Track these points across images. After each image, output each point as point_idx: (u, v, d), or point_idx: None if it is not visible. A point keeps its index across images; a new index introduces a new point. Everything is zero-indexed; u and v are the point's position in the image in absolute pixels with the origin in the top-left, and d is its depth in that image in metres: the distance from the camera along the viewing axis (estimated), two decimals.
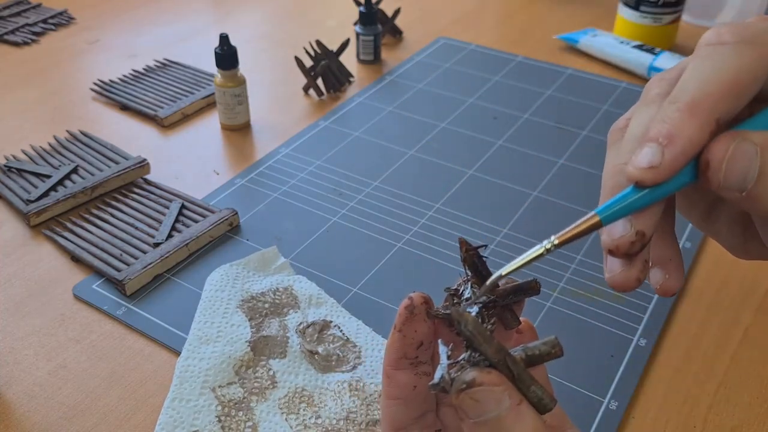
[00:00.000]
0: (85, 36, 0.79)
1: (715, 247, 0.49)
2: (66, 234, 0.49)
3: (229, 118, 0.62)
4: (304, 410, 0.37)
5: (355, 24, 0.72)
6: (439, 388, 0.20)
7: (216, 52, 0.59)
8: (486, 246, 0.24)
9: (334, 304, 0.43)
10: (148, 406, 0.38)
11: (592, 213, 0.21)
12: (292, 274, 0.45)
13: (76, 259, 0.48)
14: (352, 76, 0.69)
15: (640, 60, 0.68)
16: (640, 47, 0.70)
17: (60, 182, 0.53)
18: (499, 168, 0.57)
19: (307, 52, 0.68)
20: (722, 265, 0.47)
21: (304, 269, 0.47)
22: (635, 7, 0.72)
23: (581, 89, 0.67)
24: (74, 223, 0.51)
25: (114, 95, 0.66)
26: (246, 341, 0.40)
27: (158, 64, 0.72)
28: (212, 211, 0.51)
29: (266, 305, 0.42)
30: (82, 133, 0.60)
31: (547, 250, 0.22)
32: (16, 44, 0.77)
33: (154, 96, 0.66)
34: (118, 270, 0.45)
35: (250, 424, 0.36)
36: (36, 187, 0.53)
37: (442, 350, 0.22)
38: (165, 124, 0.63)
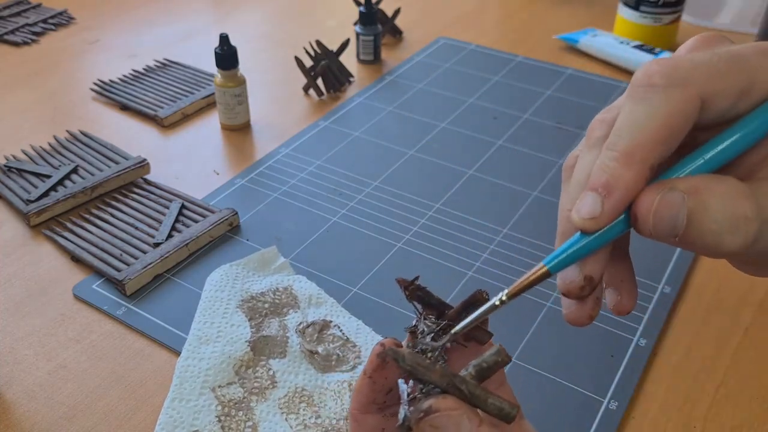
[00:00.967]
0: (85, 36, 0.79)
1: None
2: (66, 234, 0.49)
3: (229, 118, 0.62)
4: (304, 410, 0.37)
5: (355, 24, 0.72)
6: (405, 428, 0.20)
7: (216, 52, 0.59)
8: (418, 277, 0.24)
9: (333, 303, 0.43)
10: (148, 406, 0.38)
11: (541, 264, 0.22)
12: (292, 274, 0.45)
13: (76, 259, 0.48)
14: (352, 76, 0.69)
15: (640, 60, 0.68)
16: (640, 47, 0.70)
17: (60, 182, 0.53)
18: (499, 168, 0.57)
19: (307, 52, 0.68)
20: (722, 265, 0.47)
21: (304, 269, 0.47)
22: (635, 7, 0.72)
23: (581, 89, 0.67)
24: (74, 223, 0.51)
25: (114, 95, 0.66)
26: (246, 341, 0.40)
27: (158, 64, 0.72)
28: (212, 211, 0.51)
29: (266, 305, 0.42)
30: (82, 133, 0.60)
31: (500, 303, 0.22)
32: (16, 44, 0.77)
33: (154, 96, 0.66)
34: (118, 270, 0.45)
35: (250, 424, 0.36)
36: (36, 187, 0.53)
37: (402, 389, 0.22)
38: (165, 124, 0.63)
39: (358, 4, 0.73)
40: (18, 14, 0.83)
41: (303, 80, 0.69)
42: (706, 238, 0.19)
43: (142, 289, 0.45)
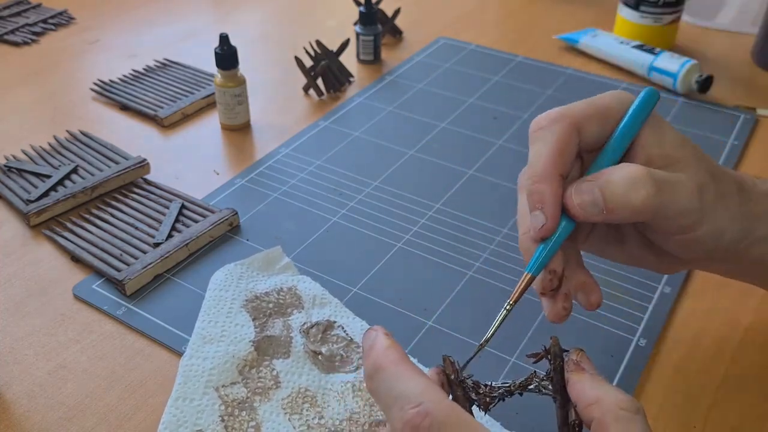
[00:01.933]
0: (85, 36, 0.79)
1: None
2: (66, 234, 0.49)
3: (229, 118, 0.62)
4: (307, 410, 0.37)
5: (355, 24, 0.72)
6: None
7: (216, 52, 0.59)
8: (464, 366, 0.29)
9: (338, 304, 0.43)
10: (149, 406, 0.38)
11: (525, 272, 0.30)
12: (296, 274, 0.45)
13: (76, 259, 0.48)
14: (352, 76, 0.69)
15: (640, 60, 0.68)
16: (640, 47, 0.70)
17: (60, 182, 0.53)
18: (499, 168, 0.57)
19: (307, 52, 0.68)
20: None
21: (304, 269, 0.47)
22: (635, 7, 0.72)
23: (581, 89, 0.67)
24: (74, 223, 0.51)
25: (114, 95, 0.66)
26: (250, 341, 0.40)
27: (158, 64, 0.72)
28: (212, 211, 0.51)
29: (270, 305, 0.42)
30: (82, 133, 0.60)
31: (508, 311, 0.29)
32: (16, 44, 0.77)
33: (154, 96, 0.66)
34: (118, 270, 0.45)
35: (253, 423, 0.36)
36: (36, 187, 0.53)
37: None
38: (165, 124, 0.63)
39: (358, 4, 0.73)
40: (18, 14, 0.83)
41: (303, 80, 0.69)
42: (619, 201, 0.28)
43: (142, 289, 0.45)
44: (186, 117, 0.64)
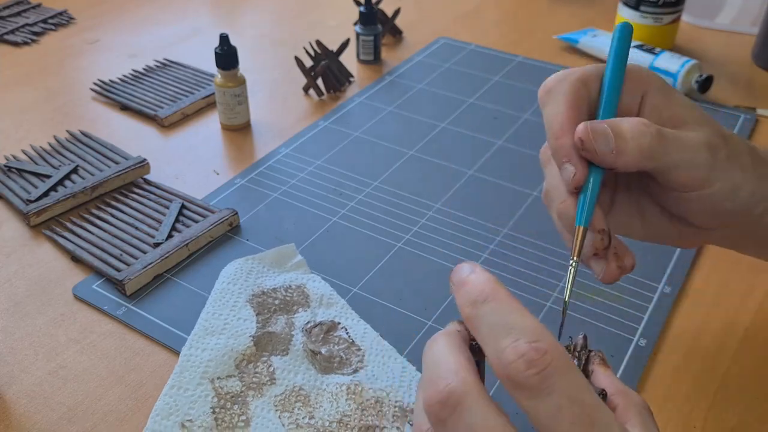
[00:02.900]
0: (85, 36, 0.79)
1: (715, 246, 0.49)
2: (66, 234, 0.49)
3: (229, 118, 0.62)
4: (298, 409, 0.37)
5: (355, 24, 0.72)
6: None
7: (216, 52, 0.59)
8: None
9: (344, 305, 0.43)
10: (148, 406, 0.38)
11: (577, 227, 0.30)
12: (308, 272, 0.45)
13: (76, 259, 0.48)
14: (352, 76, 0.69)
15: (640, 60, 0.68)
16: (640, 47, 0.70)
17: (60, 182, 0.53)
18: (499, 168, 0.57)
19: (307, 52, 0.68)
20: (722, 266, 0.47)
21: None
22: (635, 7, 0.72)
23: None
24: (74, 223, 0.51)
25: (114, 95, 0.66)
26: (250, 336, 0.40)
27: (158, 64, 0.72)
28: (212, 211, 0.51)
29: (276, 302, 0.42)
30: (82, 133, 0.60)
31: (575, 267, 0.30)
32: (16, 44, 0.77)
33: (154, 96, 0.66)
34: (118, 270, 0.45)
35: (243, 418, 0.36)
36: (36, 187, 0.53)
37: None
38: (165, 124, 0.63)
39: (358, 4, 0.73)
40: (18, 14, 0.83)
41: (303, 80, 0.69)
42: (628, 144, 0.29)
43: (142, 289, 0.45)
44: (186, 117, 0.64)
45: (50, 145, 0.59)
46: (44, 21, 0.81)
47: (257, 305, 0.42)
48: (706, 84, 0.66)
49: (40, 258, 0.48)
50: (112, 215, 0.51)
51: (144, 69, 0.70)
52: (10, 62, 0.74)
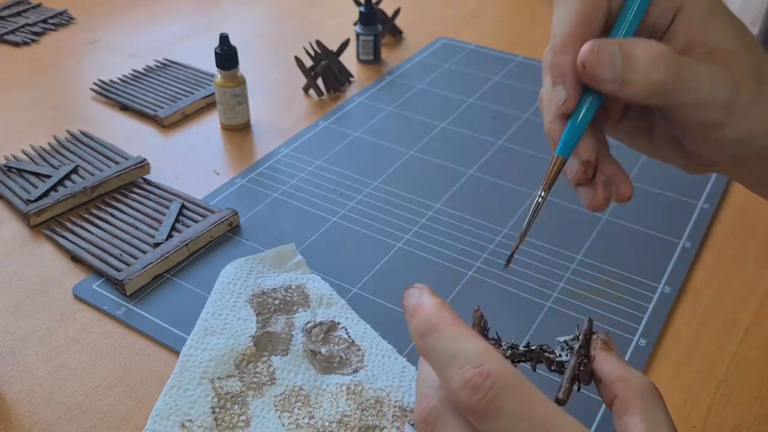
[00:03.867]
0: (85, 36, 0.79)
1: (714, 246, 0.49)
2: (66, 234, 0.49)
3: (229, 118, 0.62)
4: (298, 409, 0.37)
5: (355, 24, 0.72)
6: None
7: (216, 52, 0.59)
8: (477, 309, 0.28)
9: (344, 305, 0.43)
10: (148, 405, 0.38)
11: (555, 155, 0.27)
12: (308, 272, 0.45)
13: (76, 259, 0.48)
14: (352, 76, 0.69)
15: None
16: None
17: (60, 182, 0.53)
18: (499, 168, 0.57)
19: (307, 52, 0.68)
20: (722, 265, 0.47)
21: None
22: None
23: None
24: (74, 223, 0.51)
25: (114, 95, 0.66)
26: (250, 336, 0.40)
27: (158, 64, 0.72)
28: (212, 211, 0.51)
29: (276, 302, 0.42)
30: (82, 133, 0.60)
31: (543, 198, 0.28)
32: (16, 44, 0.77)
33: (154, 96, 0.66)
34: (118, 270, 0.45)
35: (243, 418, 0.36)
36: (36, 187, 0.53)
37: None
38: (165, 124, 0.63)
39: (358, 4, 0.73)
40: (18, 14, 0.83)
41: (303, 80, 0.69)
42: (638, 75, 0.25)
43: (142, 289, 0.45)
44: (186, 117, 0.64)
45: (50, 145, 0.59)
46: (44, 21, 0.81)
47: (257, 305, 0.42)
48: None
49: (40, 258, 0.48)
50: (112, 215, 0.51)
51: (144, 69, 0.70)
52: (10, 62, 0.74)
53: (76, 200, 0.52)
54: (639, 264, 0.47)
